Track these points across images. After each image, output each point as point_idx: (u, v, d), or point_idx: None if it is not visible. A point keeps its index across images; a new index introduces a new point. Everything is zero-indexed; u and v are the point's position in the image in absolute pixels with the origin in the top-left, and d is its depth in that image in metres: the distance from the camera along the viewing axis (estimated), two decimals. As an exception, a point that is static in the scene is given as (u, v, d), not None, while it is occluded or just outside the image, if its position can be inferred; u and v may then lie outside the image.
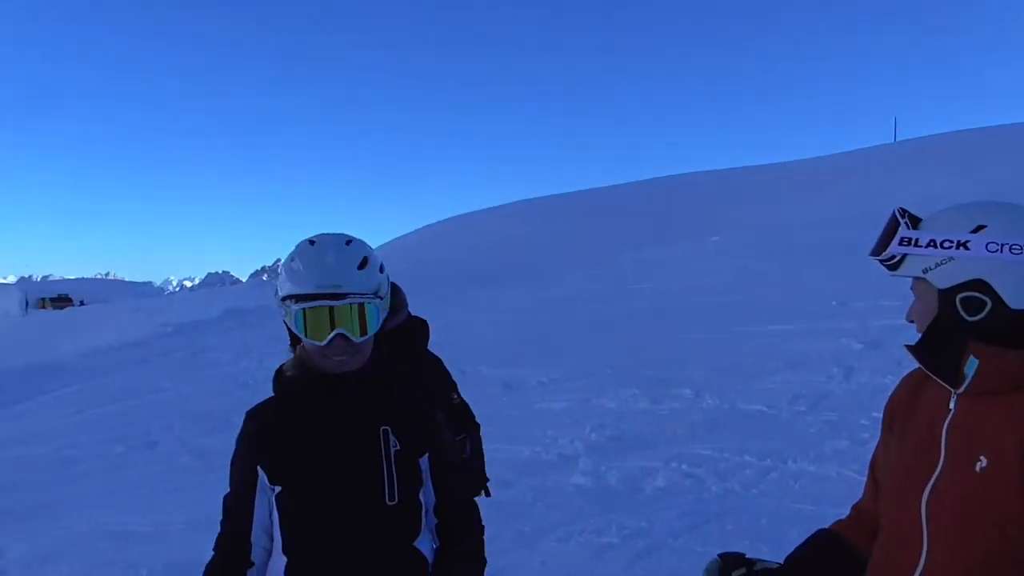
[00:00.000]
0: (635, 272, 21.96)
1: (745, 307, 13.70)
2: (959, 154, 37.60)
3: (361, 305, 1.76)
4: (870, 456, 1.72)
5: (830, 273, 15.58)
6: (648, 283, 19.69)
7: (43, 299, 68.65)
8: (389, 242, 46.78)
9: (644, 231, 33.53)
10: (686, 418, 7.40)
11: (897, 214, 1.48)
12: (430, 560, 1.91)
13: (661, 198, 41.97)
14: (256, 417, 1.91)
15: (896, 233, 1.46)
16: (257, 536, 1.90)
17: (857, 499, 1.80)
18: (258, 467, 1.87)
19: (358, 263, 1.79)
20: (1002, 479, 1.35)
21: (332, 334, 1.74)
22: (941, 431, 1.46)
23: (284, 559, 1.88)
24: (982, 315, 1.38)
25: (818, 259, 17.27)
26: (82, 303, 66.31)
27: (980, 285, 1.37)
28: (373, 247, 1.89)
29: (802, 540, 1.78)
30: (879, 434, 1.68)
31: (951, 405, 1.46)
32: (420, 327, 3.13)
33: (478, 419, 3.35)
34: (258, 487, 1.87)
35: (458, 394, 3.27)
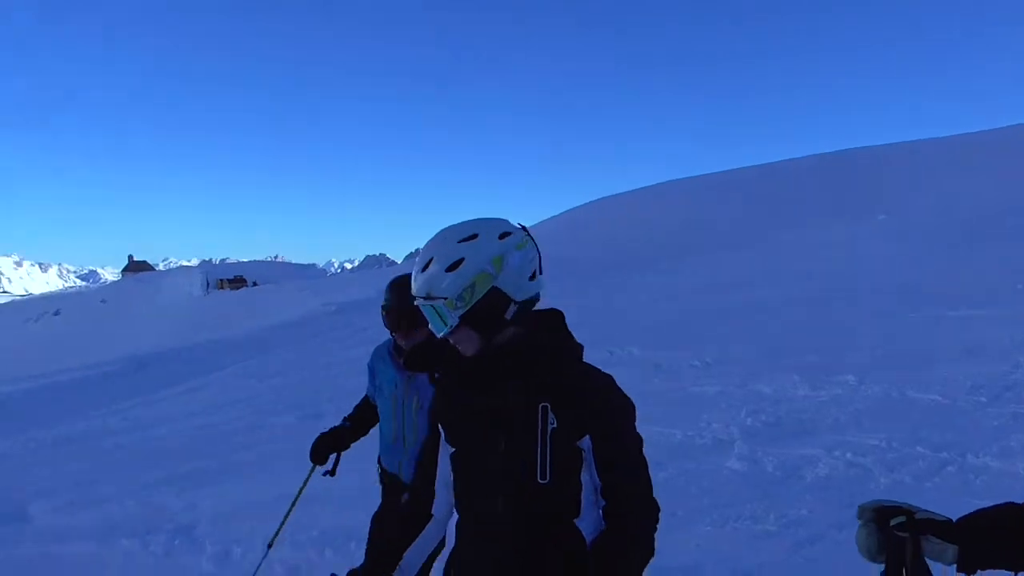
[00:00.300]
0: (794, 253, 21.11)
1: (914, 290, 12.88)
2: None
3: (433, 306, 1.81)
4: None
5: (1010, 254, 14.33)
6: (808, 264, 18.88)
7: (221, 280, 74.54)
8: (542, 221, 47.00)
9: (804, 211, 31.97)
10: (849, 405, 7.03)
11: None
12: (588, 540, 1.85)
13: (822, 176, 39.74)
14: (441, 380, 1.98)
15: None
16: (440, 490, 1.99)
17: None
18: (439, 424, 1.98)
19: (447, 265, 1.78)
20: None
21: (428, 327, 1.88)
22: None
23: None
24: None
25: (995, 238, 15.92)
26: (255, 284, 71.64)
27: None
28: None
29: None
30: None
31: None
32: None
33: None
34: (441, 442, 1.98)
35: None
